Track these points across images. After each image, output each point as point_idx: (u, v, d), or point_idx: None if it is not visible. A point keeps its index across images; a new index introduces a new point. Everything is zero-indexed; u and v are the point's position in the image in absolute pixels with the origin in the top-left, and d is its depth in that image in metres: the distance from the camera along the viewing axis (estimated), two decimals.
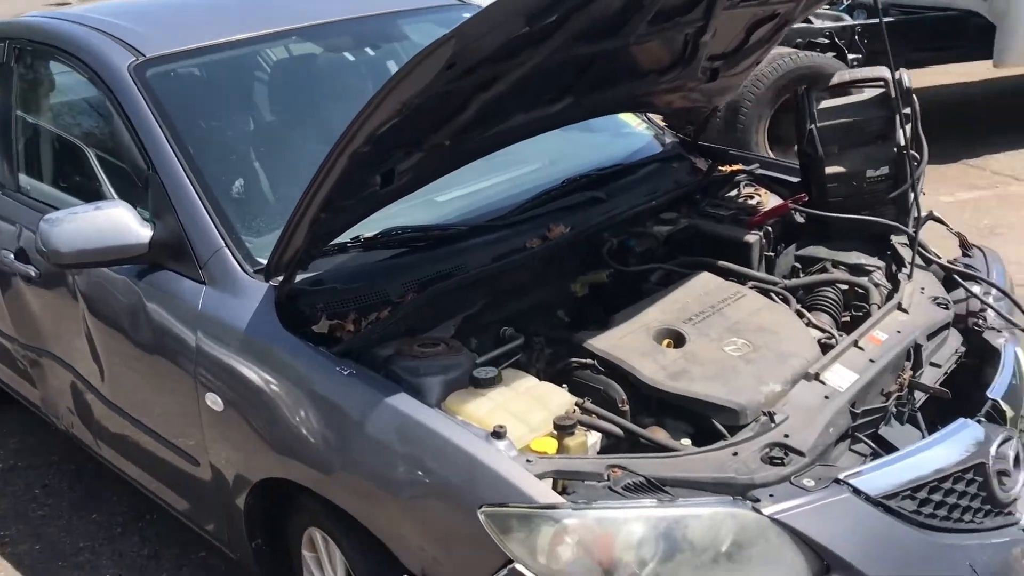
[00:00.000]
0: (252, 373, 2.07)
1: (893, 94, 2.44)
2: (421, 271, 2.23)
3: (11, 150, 3.09)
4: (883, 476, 1.76)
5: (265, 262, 2.18)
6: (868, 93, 2.55)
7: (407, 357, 1.96)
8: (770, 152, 5.24)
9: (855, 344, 2.07)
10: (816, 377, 1.96)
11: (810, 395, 1.92)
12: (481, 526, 1.65)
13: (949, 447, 1.84)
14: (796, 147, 2.69)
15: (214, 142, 2.55)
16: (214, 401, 2.15)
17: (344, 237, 2.21)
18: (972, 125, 6.72)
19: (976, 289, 2.42)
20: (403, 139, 1.92)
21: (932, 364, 2.17)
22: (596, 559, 1.60)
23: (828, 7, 6.33)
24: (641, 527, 1.62)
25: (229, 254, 2.22)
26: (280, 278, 2.10)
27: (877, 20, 5.86)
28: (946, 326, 2.27)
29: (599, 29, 2.06)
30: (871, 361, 2.03)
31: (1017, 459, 1.92)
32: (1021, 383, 2.17)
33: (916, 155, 2.50)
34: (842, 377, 1.98)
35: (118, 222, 2.29)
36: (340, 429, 1.88)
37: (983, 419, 1.93)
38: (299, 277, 2.11)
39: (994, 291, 2.43)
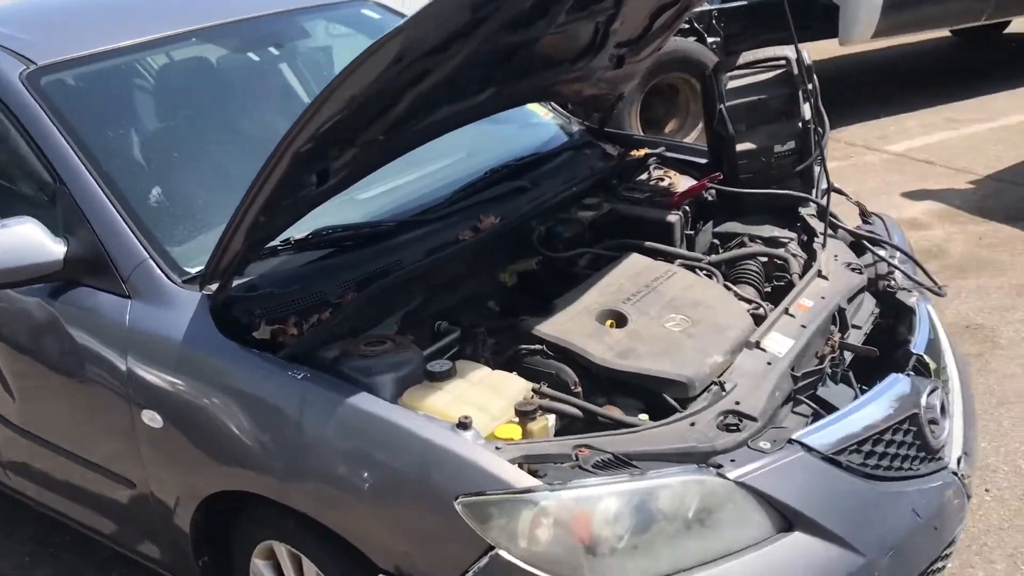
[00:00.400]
0: (193, 385, 2.00)
1: (795, 72, 2.56)
2: (357, 270, 2.20)
3: None
4: (831, 433, 1.85)
5: (193, 271, 2.12)
6: (770, 72, 2.66)
7: (355, 357, 1.94)
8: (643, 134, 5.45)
9: (786, 312, 2.17)
10: (757, 345, 2.04)
11: (754, 363, 2.00)
12: (455, 518, 1.65)
13: (885, 402, 1.95)
14: (705, 127, 2.79)
15: (123, 150, 2.45)
16: (152, 418, 2.07)
17: (275, 241, 2.17)
18: (825, 103, 7.11)
19: (883, 253, 2.57)
20: (339, 136, 1.89)
21: (853, 326, 2.29)
22: (576, 537, 1.62)
23: None
24: (616, 502, 1.65)
25: (154, 265, 2.14)
26: (215, 286, 2.03)
27: (732, 5, 6.14)
28: (862, 290, 2.40)
29: (523, 18, 2.09)
30: (803, 327, 2.13)
31: (943, 407, 2.06)
32: (937, 337, 2.31)
33: (819, 129, 2.63)
34: (780, 344, 2.07)
35: (28, 239, 2.16)
36: (298, 434, 1.84)
37: (911, 373, 2.06)
38: (234, 283, 2.06)
39: (898, 254, 2.58)
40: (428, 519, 1.71)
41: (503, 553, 1.62)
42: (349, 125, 1.85)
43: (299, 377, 1.85)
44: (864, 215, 2.81)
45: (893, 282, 2.44)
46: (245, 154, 2.59)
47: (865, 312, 2.37)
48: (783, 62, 2.62)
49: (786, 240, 2.56)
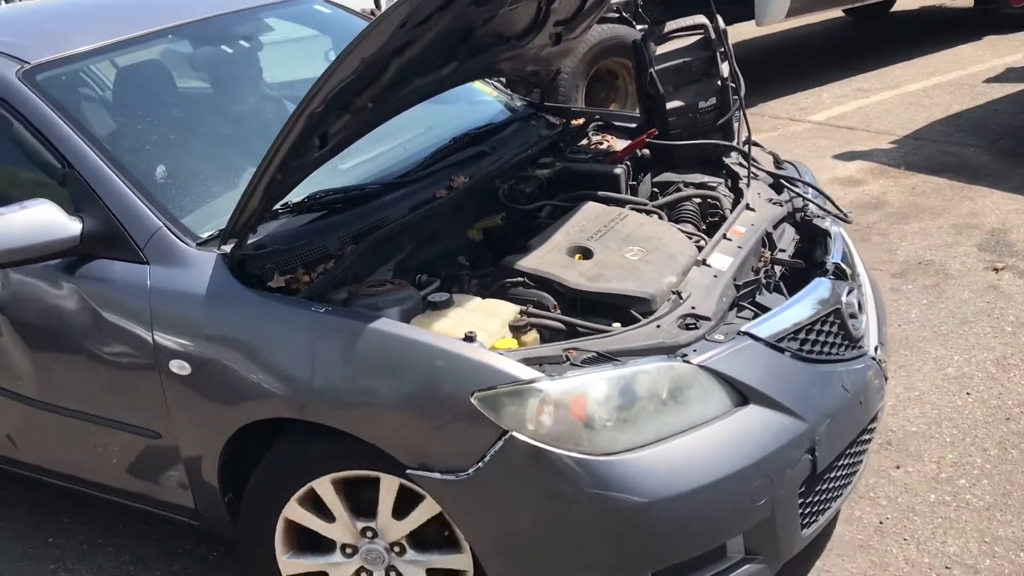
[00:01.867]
0: (218, 331, 2.26)
1: (713, 36, 2.95)
2: (352, 226, 2.49)
3: None
4: (772, 325, 2.23)
5: (204, 236, 2.38)
6: (691, 38, 3.03)
7: (362, 297, 2.23)
8: None
9: (724, 236, 2.54)
10: (704, 263, 2.41)
11: (703, 277, 2.36)
12: (471, 412, 1.96)
13: (812, 299, 2.34)
14: (637, 90, 3.16)
15: (122, 134, 2.69)
16: (180, 367, 2.31)
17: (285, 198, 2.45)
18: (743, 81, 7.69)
19: (799, 189, 2.97)
20: (340, 102, 2.18)
21: (779, 249, 2.68)
22: (575, 416, 1.95)
23: None
24: (605, 386, 1.99)
25: (169, 233, 2.38)
26: (230, 245, 2.30)
27: None
28: (782, 219, 2.80)
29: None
30: (739, 247, 2.51)
31: (860, 304, 2.46)
32: (850, 251, 2.72)
33: (734, 85, 3.03)
34: (722, 261, 2.44)
35: (46, 219, 2.38)
36: (325, 359, 2.12)
37: (832, 277, 2.45)
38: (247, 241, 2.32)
39: (811, 190, 2.99)
40: (447, 417, 2.01)
41: (517, 435, 1.94)
42: (351, 90, 2.14)
43: (322, 311, 2.14)
44: (777, 162, 3.22)
45: (807, 212, 2.84)
46: (229, 131, 2.85)
47: (787, 238, 2.76)
48: (701, 29, 3.00)
49: (715, 184, 2.94)
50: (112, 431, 2.57)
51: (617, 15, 6.10)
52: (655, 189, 3.02)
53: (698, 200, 2.86)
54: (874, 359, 2.42)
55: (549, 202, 2.85)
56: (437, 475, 2.03)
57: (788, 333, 2.24)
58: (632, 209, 2.77)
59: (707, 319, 2.20)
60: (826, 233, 2.73)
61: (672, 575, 2.04)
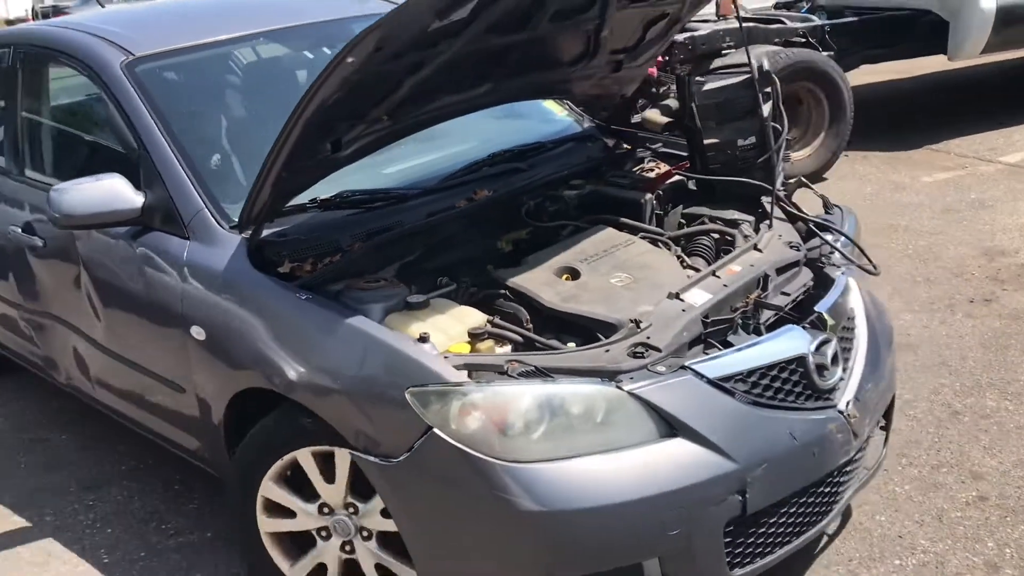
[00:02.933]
0: (228, 305, 2.56)
1: (756, 77, 2.98)
2: (367, 226, 2.73)
3: (17, 141, 3.56)
4: (720, 365, 2.27)
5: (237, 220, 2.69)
6: (738, 77, 3.07)
7: (355, 290, 2.46)
8: None
9: (713, 274, 2.59)
10: (677, 296, 2.47)
11: (670, 309, 2.43)
12: (406, 405, 2.14)
13: (775, 344, 2.36)
14: (679, 124, 3.22)
15: (194, 125, 3.05)
16: (198, 332, 2.63)
17: (304, 199, 2.72)
18: (928, 115, 7.43)
19: (829, 237, 2.94)
20: (347, 112, 2.42)
21: (783, 293, 2.68)
22: (494, 423, 2.09)
23: (791, 9, 7.02)
24: (528, 399, 2.12)
25: (208, 214, 2.71)
26: (250, 231, 2.59)
27: (842, 21, 6.55)
28: (796, 264, 2.79)
29: (507, 24, 2.57)
30: (724, 286, 2.55)
31: (836, 357, 2.44)
32: (846, 301, 2.69)
33: (777, 127, 3.03)
34: (699, 297, 2.49)
35: (116, 190, 2.77)
36: (298, 340, 2.37)
37: (807, 326, 2.45)
38: (268, 232, 2.61)
39: (842, 238, 2.95)
40: (388, 407, 2.20)
41: (439, 431, 2.11)
42: (353, 104, 2.37)
43: (303, 298, 2.39)
44: (827, 206, 3.19)
45: (825, 259, 2.81)
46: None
47: (798, 283, 2.75)
48: (746, 68, 3.03)
49: (742, 221, 2.96)
50: (152, 380, 2.94)
51: (804, 40, 6.06)
52: (682, 220, 3.08)
53: (716, 236, 2.90)
54: (841, 413, 2.40)
55: (569, 222, 2.97)
56: (374, 459, 2.23)
57: (739, 374, 2.28)
58: (644, 237, 2.86)
59: (657, 350, 2.28)
60: (832, 281, 2.71)
61: None
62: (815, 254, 2.90)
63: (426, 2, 2.15)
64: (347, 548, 2.47)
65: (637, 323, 2.36)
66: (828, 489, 2.43)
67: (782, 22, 6.29)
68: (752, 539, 2.29)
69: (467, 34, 2.41)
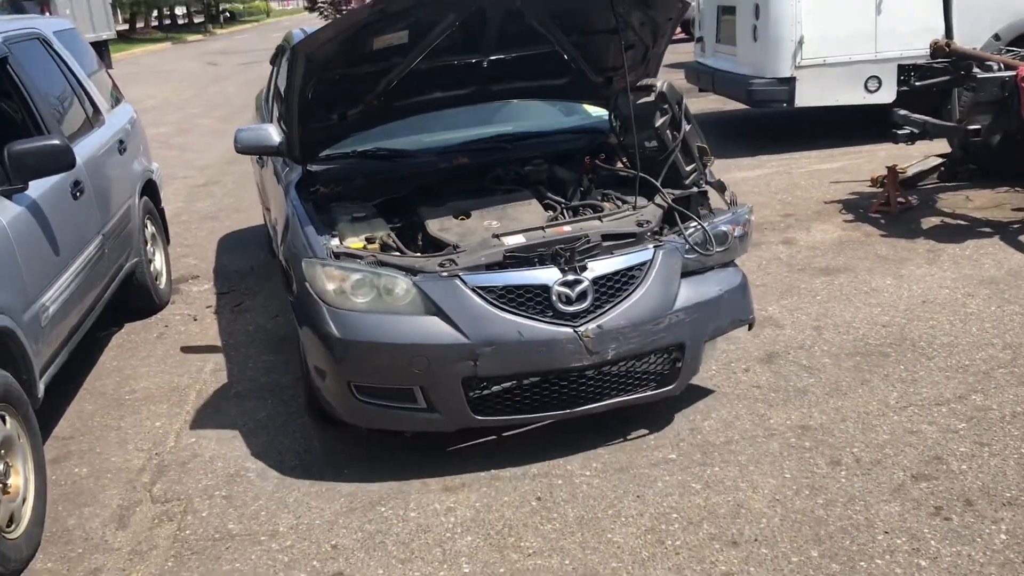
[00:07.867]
0: (280, 202, 4.34)
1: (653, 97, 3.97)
2: (378, 172, 4.31)
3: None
4: (484, 278, 3.51)
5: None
6: (651, 95, 4.05)
7: (333, 209, 4.08)
8: None
9: (542, 229, 3.75)
10: (497, 236, 3.71)
11: (488, 244, 3.67)
12: (303, 266, 3.72)
13: (530, 273, 3.51)
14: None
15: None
16: (274, 220, 4.47)
17: (348, 150, 4.39)
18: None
19: (693, 223, 3.86)
20: (346, 94, 4.00)
21: (606, 249, 3.72)
22: (332, 284, 3.59)
23: None
24: (358, 276, 3.57)
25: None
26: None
27: None
28: (633, 235, 3.78)
29: (455, 48, 3.95)
30: (543, 237, 3.70)
31: (583, 295, 3.50)
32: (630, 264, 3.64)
33: (674, 133, 4.00)
34: (515, 240, 3.69)
35: (266, 133, 4.67)
36: (282, 223, 4.09)
37: (565, 268, 3.52)
38: (321, 167, 4.31)
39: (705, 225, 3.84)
40: (301, 268, 3.78)
41: (307, 284, 3.67)
42: (348, 90, 3.95)
43: (293, 203, 4.07)
44: (732, 204, 4.06)
45: (660, 237, 3.77)
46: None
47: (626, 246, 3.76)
48: (653, 88, 4.01)
49: (614, 196, 4.02)
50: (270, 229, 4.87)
51: None
52: (596, 195, 4.19)
53: (593, 207, 4.01)
54: (575, 331, 3.47)
55: (505, 186, 4.26)
56: (290, 297, 3.89)
57: (492, 287, 3.49)
58: (545, 201, 4.07)
59: (455, 264, 3.57)
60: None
61: (371, 394, 3.58)
62: (673, 233, 3.85)
63: (349, 20, 3.65)
64: None
65: (455, 247, 3.67)
66: (571, 385, 3.54)
67: None
68: (490, 398, 3.52)
69: (414, 54, 3.85)
